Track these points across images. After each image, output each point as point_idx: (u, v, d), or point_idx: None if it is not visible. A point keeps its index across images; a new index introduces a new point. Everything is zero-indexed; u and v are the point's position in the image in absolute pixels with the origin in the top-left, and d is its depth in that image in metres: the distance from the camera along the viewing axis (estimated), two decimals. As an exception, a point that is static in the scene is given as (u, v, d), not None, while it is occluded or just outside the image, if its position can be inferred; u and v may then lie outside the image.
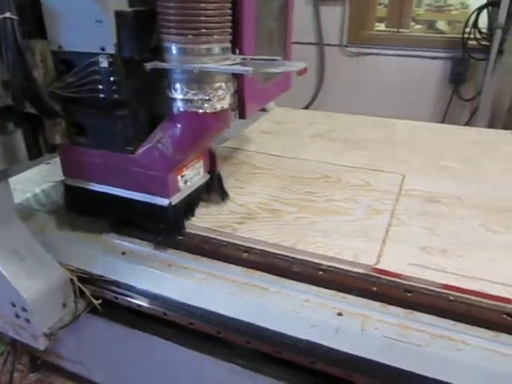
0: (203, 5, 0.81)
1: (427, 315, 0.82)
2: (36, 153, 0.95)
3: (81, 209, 1.08)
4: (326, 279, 0.89)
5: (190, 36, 0.82)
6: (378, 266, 0.88)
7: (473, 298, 0.82)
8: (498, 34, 2.53)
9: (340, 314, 0.84)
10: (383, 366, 0.78)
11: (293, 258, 0.93)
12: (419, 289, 0.84)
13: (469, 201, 1.12)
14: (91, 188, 1.01)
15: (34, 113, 0.87)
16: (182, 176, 0.99)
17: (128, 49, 0.83)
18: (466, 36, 2.83)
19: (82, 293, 0.98)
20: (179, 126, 0.92)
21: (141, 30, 0.84)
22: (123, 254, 1.01)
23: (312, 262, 0.91)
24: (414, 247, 0.94)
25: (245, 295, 0.88)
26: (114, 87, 0.86)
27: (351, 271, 0.89)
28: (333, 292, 0.88)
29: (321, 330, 0.82)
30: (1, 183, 0.91)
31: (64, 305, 0.96)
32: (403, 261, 0.89)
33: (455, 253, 0.92)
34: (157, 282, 0.95)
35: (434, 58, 2.95)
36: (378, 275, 0.87)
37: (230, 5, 0.86)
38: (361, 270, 0.88)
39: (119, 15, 0.81)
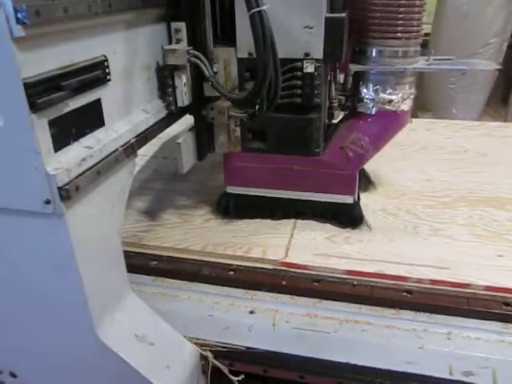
0: (408, 10, 0.86)
1: (334, 302, 0.84)
2: (204, 153, 0.93)
3: (245, 215, 1.05)
4: (236, 279, 0.89)
5: (393, 39, 0.88)
6: (285, 260, 0.89)
7: (374, 279, 0.85)
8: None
9: (252, 312, 0.84)
10: (298, 357, 0.79)
11: (202, 261, 0.92)
12: (325, 277, 0.87)
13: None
14: (261, 194, 1.01)
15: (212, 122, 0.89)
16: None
17: (334, 54, 0.83)
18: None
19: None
20: (378, 125, 0.95)
21: (345, 35, 0.84)
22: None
23: (221, 264, 0.91)
24: (320, 237, 0.97)
25: (156, 304, 0.86)
26: (315, 91, 0.86)
27: (260, 268, 0.90)
28: (244, 291, 0.88)
29: (234, 330, 0.82)
30: (117, 248, 0.73)
31: None
32: (310, 252, 0.92)
33: (358, 239, 0.96)
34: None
35: None
36: (286, 269, 0.88)
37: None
38: (269, 266, 0.89)
39: (330, 21, 0.81)
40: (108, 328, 0.71)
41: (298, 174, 0.96)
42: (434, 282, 0.83)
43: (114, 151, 0.65)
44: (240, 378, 0.81)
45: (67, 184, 0.55)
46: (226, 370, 0.81)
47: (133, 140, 0.70)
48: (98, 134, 0.63)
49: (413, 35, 0.89)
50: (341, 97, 1.06)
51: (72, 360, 0.75)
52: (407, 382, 0.74)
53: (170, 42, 0.78)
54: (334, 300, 0.84)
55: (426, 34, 2.86)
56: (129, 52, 0.69)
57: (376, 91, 0.93)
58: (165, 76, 0.78)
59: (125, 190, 0.71)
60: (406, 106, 0.95)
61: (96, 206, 0.64)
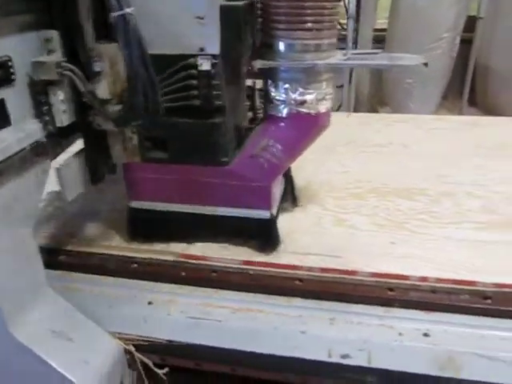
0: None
1: (230, 291, 0.87)
2: (100, 176, 0.84)
3: (151, 235, 0.95)
4: (139, 271, 0.91)
5: (303, 31, 0.78)
6: (185, 252, 0.92)
7: (269, 269, 0.88)
8: (351, 24, 2.71)
9: (150, 303, 0.86)
10: (192, 345, 0.82)
11: (109, 254, 0.94)
12: (223, 268, 0.89)
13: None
14: (166, 209, 0.90)
15: (102, 129, 0.78)
16: (275, 184, 0.92)
17: (234, 48, 0.75)
18: (327, 28, 3.01)
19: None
20: (291, 130, 0.86)
21: (247, 26, 0.76)
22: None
23: (126, 257, 0.93)
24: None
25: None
26: (214, 92, 0.77)
27: (163, 260, 0.92)
28: (145, 282, 0.90)
29: (131, 321, 0.84)
30: (31, 245, 0.74)
31: (121, 383, 0.80)
32: (210, 244, 0.94)
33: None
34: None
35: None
36: (186, 260, 0.91)
37: None
38: (171, 258, 0.92)
39: (225, 10, 0.72)
40: (23, 326, 0.72)
41: (207, 186, 0.87)
42: (323, 270, 0.86)
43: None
44: (165, 371, 0.83)
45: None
46: (150, 364, 0.82)
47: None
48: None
49: (326, 26, 0.80)
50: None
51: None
52: (290, 366, 0.78)
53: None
54: (230, 290, 0.87)
55: (383, 30, 2.91)
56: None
57: (286, 91, 0.84)
58: (38, 92, 0.70)
59: (36, 189, 0.72)
60: (324, 107, 0.86)
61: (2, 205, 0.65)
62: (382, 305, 0.82)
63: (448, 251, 0.89)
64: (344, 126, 1.55)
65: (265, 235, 0.91)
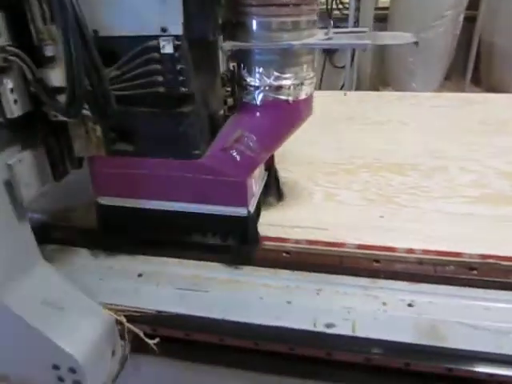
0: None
1: (218, 264, 0.88)
2: (63, 171, 0.78)
3: (122, 232, 0.89)
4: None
5: (278, 6, 0.69)
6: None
7: (257, 242, 0.89)
8: (352, 3, 2.68)
9: (140, 275, 0.88)
10: (181, 315, 0.83)
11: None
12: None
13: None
14: (136, 206, 0.84)
15: (61, 120, 0.70)
16: (254, 178, 0.85)
17: (199, 28, 0.67)
18: (329, 7, 2.97)
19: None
20: (266, 119, 0.79)
21: (213, 2, 0.68)
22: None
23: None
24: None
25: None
26: (180, 78, 0.69)
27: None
28: (133, 256, 0.91)
29: (121, 293, 0.86)
30: (21, 218, 0.73)
31: (113, 353, 0.81)
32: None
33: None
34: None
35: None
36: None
37: None
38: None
39: None
40: (14, 294, 0.74)
41: (178, 181, 0.80)
42: (310, 242, 0.86)
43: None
44: (156, 341, 0.84)
45: None
46: (141, 334, 0.83)
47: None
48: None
49: (304, 0, 0.71)
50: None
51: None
52: (276, 335, 0.79)
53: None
54: (218, 262, 0.88)
55: (385, 8, 2.86)
56: None
57: (260, 76, 0.75)
58: None
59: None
60: (303, 93, 0.78)
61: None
62: (368, 276, 0.82)
63: (436, 224, 0.90)
64: (340, 103, 1.55)
65: (242, 234, 0.85)
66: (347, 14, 2.83)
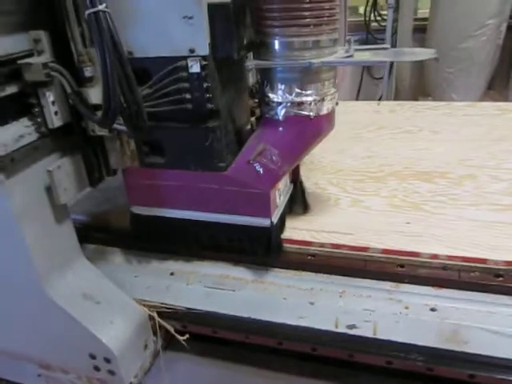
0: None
1: (243, 265, 0.92)
2: (98, 178, 0.84)
3: (154, 239, 0.95)
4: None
5: (299, 27, 0.73)
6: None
7: (284, 245, 0.92)
8: (390, 14, 2.68)
9: (172, 274, 0.93)
10: (209, 313, 0.87)
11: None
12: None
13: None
14: (167, 215, 0.89)
15: (98, 135, 0.76)
16: (278, 190, 0.88)
17: (224, 48, 0.71)
18: (367, 19, 2.99)
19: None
20: (288, 133, 0.82)
21: (238, 24, 0.71)
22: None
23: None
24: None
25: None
26: (206, 95, 0.73)
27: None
28: (166, 255, 0.97)
29: (154, 290, 0.91)
30: (64, 218, 0.81)
31: (146, 346, 0.86)
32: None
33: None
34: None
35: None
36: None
37: None
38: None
39: (214, 9, 0.68)
40: (56, 286, 0.81)
41: (205, 192, 0.84)
42: (335, 245, 0.89)
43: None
44: (186, 338, 0.87)
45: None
46: (172, 330, 0.88)
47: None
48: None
49: (325, 21, 0.74)
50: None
51: (22, 317, 0.85)
52: (298, 334, 0.81)
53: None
54: (245, 263, 0.92)
55: (424, 19, 2.84)
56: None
57: (282, 92, 0.80)
58: (28, 93, 0.70)
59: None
60: (324, 108, 0.81)
61: (35, 178, 0.73)
62: (392, 280, 0.84)
63: (462, 231, 0.89)
64: (373, 113, 1.56)
65: (265, 243, 0.87)
66: (385, 26, 2.84)
